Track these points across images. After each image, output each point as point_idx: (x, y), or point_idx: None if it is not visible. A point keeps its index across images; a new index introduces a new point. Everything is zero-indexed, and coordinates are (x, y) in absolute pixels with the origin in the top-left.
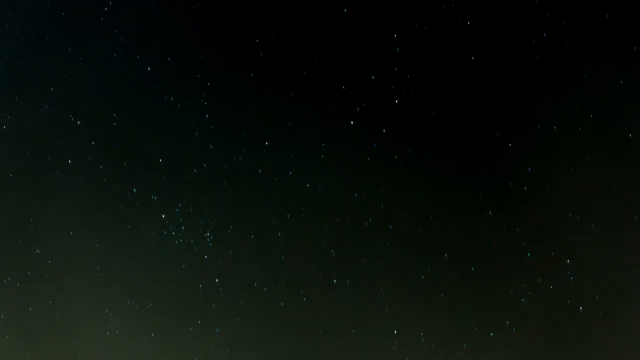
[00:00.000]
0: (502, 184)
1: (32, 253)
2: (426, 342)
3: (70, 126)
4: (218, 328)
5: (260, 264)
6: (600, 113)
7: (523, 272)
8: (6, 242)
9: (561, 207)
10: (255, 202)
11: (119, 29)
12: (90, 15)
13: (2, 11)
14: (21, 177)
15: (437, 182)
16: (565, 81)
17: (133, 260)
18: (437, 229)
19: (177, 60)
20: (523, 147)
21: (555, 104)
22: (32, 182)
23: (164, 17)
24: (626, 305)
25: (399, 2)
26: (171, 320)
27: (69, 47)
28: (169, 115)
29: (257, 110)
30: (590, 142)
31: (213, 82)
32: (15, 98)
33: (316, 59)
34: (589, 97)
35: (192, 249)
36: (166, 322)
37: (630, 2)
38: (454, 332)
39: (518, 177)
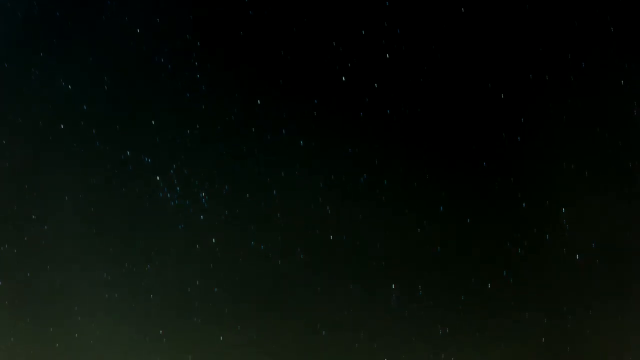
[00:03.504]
0: (495, 134)
1: (29, 219)
2: (424, 295)
3: (61, 91)
4: (217, 288)
5: (256, 223)
6: (592, 61)
7: (518, 223)
8: (2, 209)
9: (555, 156)
10: (249, 160)
11: None
12: None
13: None
14: (14, 143)
15: (430, 135)
16: (556, 30)
17: (129, 223)
18: (431, 182)
19: (166, 21)
20: (515, 98)
21: (546, 53)
22: (25, 149)
23: None
24: (623, 252)
25: None
26: (169, 282)
27: (57, 12)
28: (160, 77)
29: (248, 68)
30: (583, 90)
31: (203, 42)
32: (5, 65)
33: (306, 16)
34: (581, 46)
35: (187, 210)
36: (164, 283)
37: None
38: (451, 284)
39: (511, 128)
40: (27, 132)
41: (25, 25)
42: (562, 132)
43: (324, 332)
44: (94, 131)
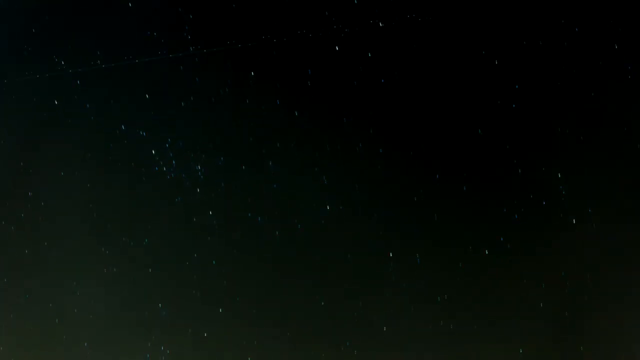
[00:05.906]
0: (490, 101)
1: (25, 196)
2: (422, 263)
3: (54, 67)
4: (215, 260)
5: (253, 194)
6: (586, 23)
7: (515, 189)
8: None
9: (550, 121)
10: (244, 132)
11: None
12: None
13: None
14: (9, 121)
15: (425, 103)
16: None
17: (126, 197)
18: (427, 150)
19: None
20: (510, 63)
21: (539, 18)
22: (20, 125)
23: None
24: (619, 215)
25: None
26: (168, 255)
27: None
28: (151, 51)
29: (241, 40)
30: (576, 55)
31: (195, 14)
32: None
33: None
34: (574, 10)
35: (184, 183)
36: (163, 256)
37: None
38: (449, 252)
39: (506, 95)
40: (21, 109)
41: (16, 1)
42: (557, 98)
43: (322, 303)
44: (87, 106)
